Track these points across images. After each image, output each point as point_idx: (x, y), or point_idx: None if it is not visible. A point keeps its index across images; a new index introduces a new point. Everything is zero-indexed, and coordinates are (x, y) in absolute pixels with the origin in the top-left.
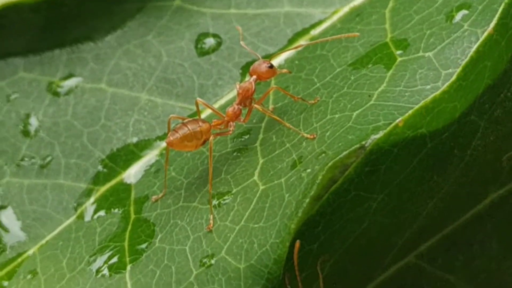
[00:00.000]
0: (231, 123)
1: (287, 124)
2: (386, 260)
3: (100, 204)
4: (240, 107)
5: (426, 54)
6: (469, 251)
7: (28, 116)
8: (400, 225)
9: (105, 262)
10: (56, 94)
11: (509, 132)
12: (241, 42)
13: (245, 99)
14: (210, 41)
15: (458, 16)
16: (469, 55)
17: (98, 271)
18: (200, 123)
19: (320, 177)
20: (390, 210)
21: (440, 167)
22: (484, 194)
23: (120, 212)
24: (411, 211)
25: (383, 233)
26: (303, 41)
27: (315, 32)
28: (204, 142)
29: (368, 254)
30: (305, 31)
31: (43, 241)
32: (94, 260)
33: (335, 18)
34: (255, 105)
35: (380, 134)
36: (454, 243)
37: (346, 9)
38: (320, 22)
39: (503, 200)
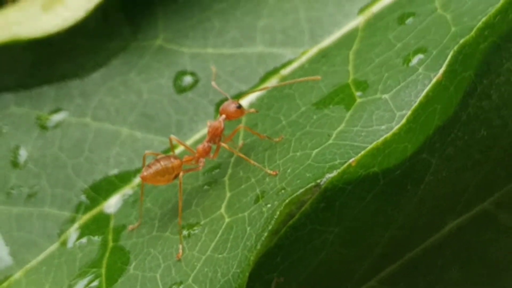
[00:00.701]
0: (201, 159)
1: (252, 161)
2: (348, 285)
3: (82, 231)
4: (210, 144)
5: (383, 96)
6: (430, 276)
7: (18, 148)
8: (359, 254)
9: (85, 287)
10: (44, 127)
11: (461, 167)
12: (213, 83)
13: (215, 137)
14: (187, 79)
15: (415, 60)
16: (418, 100)
17: None
18: (172, 159)
19: (278, 213)
20: (347, 241)
21: (394, 201)
22: (442, 224)
23: (99, 239)
24: (369, 241)
25: (342, 262)
26: (273, 80)
27: (285, 71)
28: (176, 176)
29: (329, 281)
30: (275, 71)
31: (28, 266)
32: (74, 285)
33: (304, 58)
34: (222, 144)
35: (334, 173)
36: (415, 268)
37: (314, 49)
38: (290, 62)
39: (461, 229)
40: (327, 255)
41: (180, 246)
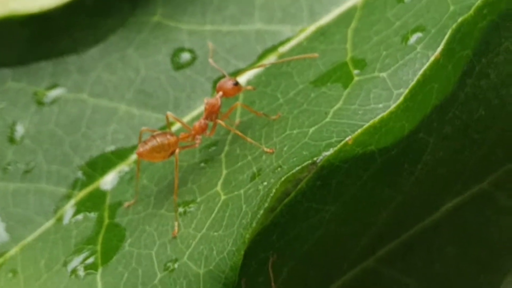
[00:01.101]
0: (197, 136)
1: (248, 139)
2: (345, 263)
3: (78, 208)
4: (207, 121)
5: (381, 74)
6: (427, 256)
7: (14, 123)
8: (356, 233)
9: (80, 263)
10: (41, 103)
11: (459, 146)
12: (210, 60)
13: (211, 114)
14: (185, 56)
15: (413, 39)
16: (415, 78)
17: (72, 271)
18: (168, 136)
19: (274, 190)
20: (344, 219)
21: (391, 180)
22: (439, 204)
23: (95, 216)
24: (365, 220)
25: (339, 240)
26: (271, 57)
27: (283, 49)
28: (172, 153)
29: (326, 259)
30: (273, 48)
31: (24, 242)
32: (70, 261)
33: (302, 36)
34: (219, 121)
35: (331, 151)
36: (412, 248)
37: (312, 27)
38: (288, 40)
39: (459, 209)
40: (324, 234)
41: (176, 224)
